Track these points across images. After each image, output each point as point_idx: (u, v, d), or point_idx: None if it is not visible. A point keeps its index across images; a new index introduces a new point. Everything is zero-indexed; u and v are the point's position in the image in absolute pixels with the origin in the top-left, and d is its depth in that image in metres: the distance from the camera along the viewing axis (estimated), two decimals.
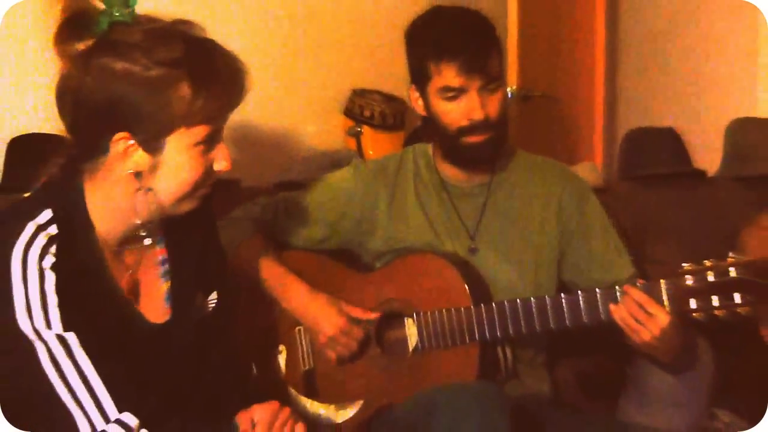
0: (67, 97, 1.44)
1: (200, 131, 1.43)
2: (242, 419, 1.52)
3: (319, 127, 2.87)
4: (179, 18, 1.47)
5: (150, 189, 1.46)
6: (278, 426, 1.51)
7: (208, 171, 1.47)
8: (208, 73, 1.42)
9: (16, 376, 1.43)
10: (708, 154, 2.79)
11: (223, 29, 2.63)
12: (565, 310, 1.84)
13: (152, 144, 1.43)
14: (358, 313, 1.95)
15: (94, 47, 1.41)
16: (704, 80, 3.31)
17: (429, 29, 1.96)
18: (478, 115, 1.90)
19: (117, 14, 1.42)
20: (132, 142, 1.42)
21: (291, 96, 2.83)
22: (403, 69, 2.06)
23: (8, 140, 2.24)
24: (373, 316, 1.96)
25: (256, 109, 2.71)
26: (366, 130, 2.81)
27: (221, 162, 1.47)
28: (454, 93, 1.91)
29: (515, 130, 2.07)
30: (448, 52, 1.89)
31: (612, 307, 1.78)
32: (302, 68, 2.87)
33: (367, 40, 2.99)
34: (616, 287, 1.80)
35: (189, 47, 1.42)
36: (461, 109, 1.91)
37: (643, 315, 1.74)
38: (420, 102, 2.00)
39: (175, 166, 1.45)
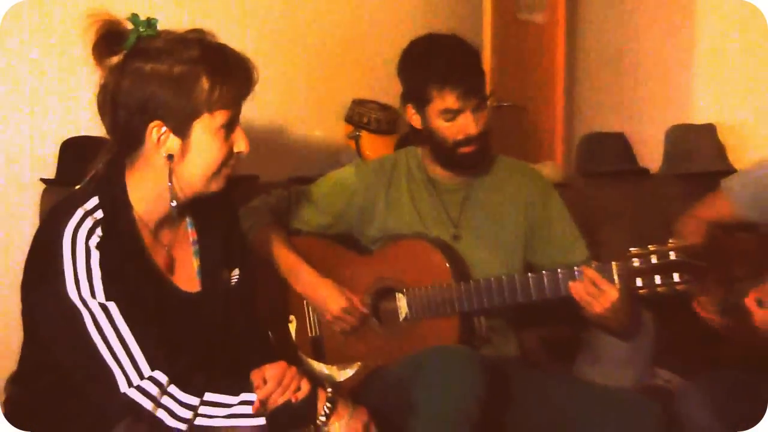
0: (107, 101, 1.46)
1: (221, 116, 1.45)
2: (255, 376, 1.52)
3: (325, 132, 2.87)
4: (193, 28, 1.50)
5: (176, 173, 1.48)
6: (286, 382, 1.51)
7: (230, 152, 1.49)
8: (221, 68, 1.44)
9: (65, 338, 1.43)
10: (651, 155, 2.79)
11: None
12: (531, 286, 1.85)
13: (181, 129, 1.45)
14: (355, 300, 1.95)
15: (127, 56, 1.44)
16: (647, 93, 3.32)
17: (429, 59, 1.95)
18: (473, 131, 1.92)
19: (143, 30, 1.46)
20: (165, 129, 1.44)
21: (302, 106, 2.83)
22: (395, 83, 2.05)
23: (61, 142, 2.23)
24: (368, 299, 1.97)
25: (275, 117, 2.72)
26: (364, 134, 2.80)
27: (240, 144, 1.49)
28: (453, 114, 1.91)
29: (490, 135, 2.08)
30: (450, 81, 1.89)
31: (570, 284, 1.80)
32: (312, 83, 2.87)
33: (364, 60, 2.99)
34: (575, 267, 1.81)
35: (204, 48, 1.45)
36: (458, 126, 1.92)
37: (596, 291, 1.76)
38: (416, 118, 1.99)
39: (202, 148, 1.47)
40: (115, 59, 1.44)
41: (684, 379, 2.11)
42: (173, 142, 1.45)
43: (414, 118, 2.01)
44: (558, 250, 2.03)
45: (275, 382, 1.50)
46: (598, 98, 3.73)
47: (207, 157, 1.47)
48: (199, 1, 2.54)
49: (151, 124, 1.43)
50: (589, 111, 3.79)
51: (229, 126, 1.47)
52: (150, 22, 1.46)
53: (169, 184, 1.47)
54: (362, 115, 2.77)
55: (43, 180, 2.20)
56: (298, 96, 2.83)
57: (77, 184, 1.55)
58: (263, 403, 1.48)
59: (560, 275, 1.82)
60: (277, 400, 1.49)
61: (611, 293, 1.74)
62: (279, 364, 1.53)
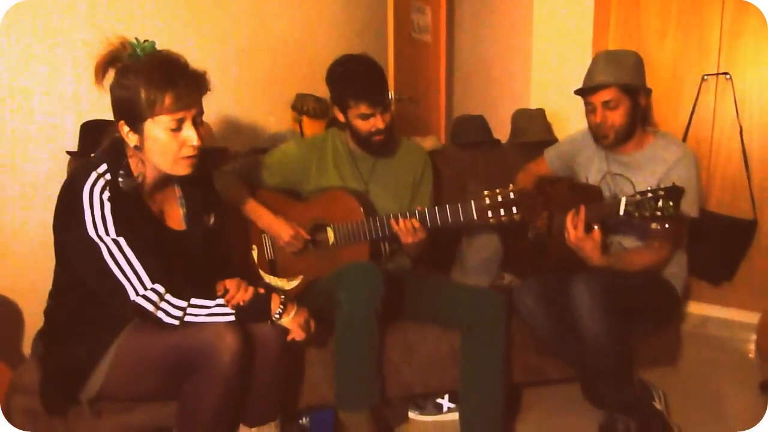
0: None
1: (163, 119, 1.39)
2: (218, 286, 1.52)
3: (277, 117, 2.81)
4: (163, 51, 1.42)
5: (146, 159, 1.43)
6: (242, 289, 1.52)
7: (182, 146, 1.42)
8: (159, 85, 1.36)
9: (89, 265, 1.40)
10: (501, 130, 2.83)
11: (222, 68, 2.54)
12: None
13: (135, 128, 1.40)
14: (301, 230, 1.95)
15: (116, 71, 1.41)
16: (499, 88, 3.36)
17: (347, 80, 1.91)
18: (381, 126, 1.92)
19: (139, 51, 1.41)
20: (126, 128, 1.40)
21: (261, 98, 2.77)
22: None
23: (81, 123, 2.13)
24: (307, 235, 1.95)
25: (241, 106, 2.65)
26: (304, 119, 2.75)
27: (191, 139, 1.42)
28: (366, 116, 1.90)
29: (393, 126, 2.09)
30: (362, 95, 1.88)
31: (393, 220, 1.84)
32: (268, 83, 2.80)
33: (305, 66, 2.93)
34: (436, 208, 1.82)
35: (150, 69, 1.37)
36: (370, 123, 1.91)
37: (413, 229, 1.83)
38: (341, 116, 1.97)
39: (154, 142, 1.41)
40: (111, 72, 1.40)
41: (520, 279, 2.15)
42: (134, 137, 1.41)
43: (339, 116, 1.98)
44: (419, 201, 2.07)
45: (234, 288, 1.51)
46: (467, 92, 3.76)
47: (159, 148, 1.41)
48: (175, 19, 2.40)
49: (119, 123, 1.41)
50: (460, 100, 3.81)
51: (176, 125, 1.39)
52: (145, 45, 1.40)
53: (152, 168, 1.43)
54: (303, 105, 2.71)
55: (68, 152, 2.11)
56: (258, 91, 2.76)
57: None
58: (228, 301, 1.49)
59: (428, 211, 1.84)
60: (236, 301, 1.50)
61: (423, 233, 1.83)
62: (234, 279, 1.54)
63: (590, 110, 1.94)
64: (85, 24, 2.15)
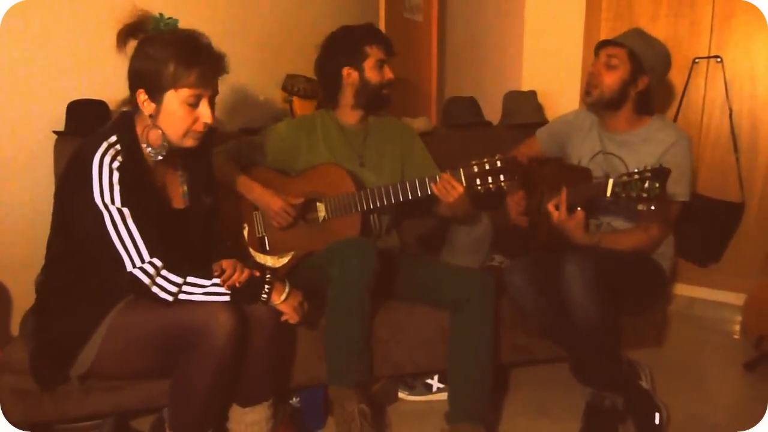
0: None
1: (184, 92, 1.43)
2: (215, 267, 1.53)
3: (267, 96, 2.80)
4: (191, 29, 1.48)
5: (159, 128, 1.46)
6: (237, 270, 1.54)
7: (195, 120, 1.46)
8: (188, 59, 1.42)
9: (92, 231, 1.41)
10: (493, 112, 2.83)
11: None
12: (408, 189, 1.89)
13: (155, 97, 1.44)
14: (291, 200, 1.95)
15: (139, 40, 1.46)
16: (491, 69, 3.35)
17: (352, 33, 2.00)
18: (391, 76, 2.01)
19: (162, 25, 1.48)
20: (145, 96, 1.44)
21: (251, 78, 2.75)
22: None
23: (67, 103, 2.11)
24: (299, 201, 1.96)
25: (231, 87, 2.64)
26: (295, 99, 2.76)
27: (204, 116, 1.47)
28: (382, 63, 1.99)
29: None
30: (377, 39, 1.98)
31: (432, 184, 1.85)
32: (258, 62, 2.79)
33: (294, 46, 2.92)
34: (436, 174, 1.86)
35: (180, 43, 1.43)
36: (385, 72, 2.00)
37: (450, 186, 1.81)
38: (354, 75, 2.00)
39: (170, 114, 1.45)
40: (132, 41, 1.45)
41: (509, 259, 2.17)
42: (151, 105, 1.44)
43: (352, 77, 2.00)
44: (418, 170, 2.09)
45: (230, 269, 1.53)
46: (458, 73, 3.75)
47: (173, 120, 1.45)
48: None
49: (138, 91, 1.44)
50: (451, 82, 3.81)
51: (195, 101, 1.45)
52: (168, 21, 1.47)
53: (162, 138, 1.46)
54: (293, 85, 2.71)
55: (55, 132, 2.09)
56: (248, 71, 2.75)
57: (81, 135, 1.50)
58: (224, 282, 1.51)
59: (427, 180, 1.87)
60: (231, 282, 1.51)
61: (459, 188, 1.80)
62: (231, 260, 1.56)
63: (595, 62, 2.00)
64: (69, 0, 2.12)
